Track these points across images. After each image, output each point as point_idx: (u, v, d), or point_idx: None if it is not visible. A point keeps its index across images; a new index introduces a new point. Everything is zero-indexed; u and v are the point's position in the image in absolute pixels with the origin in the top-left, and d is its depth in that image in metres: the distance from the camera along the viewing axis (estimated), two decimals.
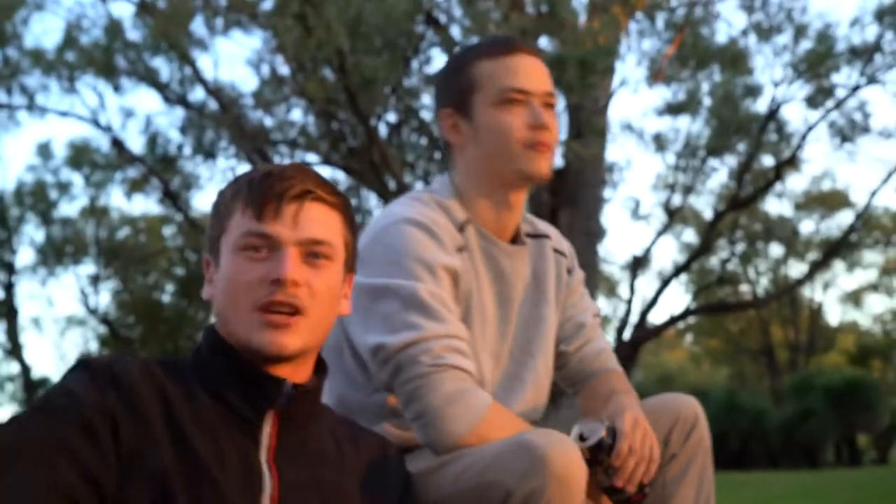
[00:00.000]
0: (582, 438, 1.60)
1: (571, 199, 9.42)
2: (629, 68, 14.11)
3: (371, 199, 11.96)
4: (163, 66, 11.87)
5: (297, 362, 1.27)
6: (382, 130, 10.23)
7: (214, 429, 1.20)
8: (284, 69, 10.67)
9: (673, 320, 12.22)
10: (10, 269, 16.27)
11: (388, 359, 1.54)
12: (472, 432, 1.49)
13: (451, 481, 1.45)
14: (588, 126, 9.35)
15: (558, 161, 9.80)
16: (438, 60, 10.84)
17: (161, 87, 11.90)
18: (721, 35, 10.95)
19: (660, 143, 13.23)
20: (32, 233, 16.62)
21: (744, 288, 22.57)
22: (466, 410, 1.50)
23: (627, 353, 10.93)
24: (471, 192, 1.74)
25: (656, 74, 9.52)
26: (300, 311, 1.24)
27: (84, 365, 1.17)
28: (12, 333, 16.84)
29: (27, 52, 11.94)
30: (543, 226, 1.89)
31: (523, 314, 1.79)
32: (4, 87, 12.22)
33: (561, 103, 10.40)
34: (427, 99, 11.04)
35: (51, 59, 11.90)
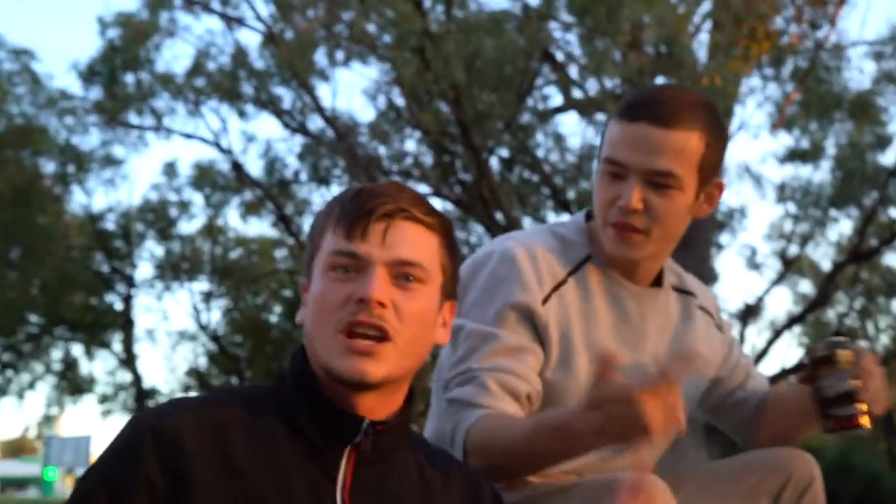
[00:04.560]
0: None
1: (683, 241, 9.19)
2: (749, 112, 13.85)
3: (478, 232, 11.99)
4: (285, 95, 12.24)
5: (385, 391, 1.19)
6: (494, 165, 10.25)
7: (288, 467, 1.15)
8: (400, 101, 10.85)
9: (785, 373, 11.76)
10: (129, 282, 16.94)
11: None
12: (473, 461, 1.43)
13: None
14: None
15: None
16: (554, 98, 10.83)
17: (282, 114, 12.26)
18: (852, 83, 10.56)
19: (783, 191, 12.85)
20: (153, 248, 17.29)
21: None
22: (456, 444, 1.47)
23: None
24: (599, 233, 1.65)
25: (777, 120, 9.26)
26: (386, 336, 1.17)
27: (132, 430, 1.13)
28: (127, 344, 17.49)
29: (157, 77, 12.49)
30: (691, 282, 1.78)
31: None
32: (136, 109, 12.80)
33: None
34: (540, 136, 11.00)
35: (179, 84, 12.43)
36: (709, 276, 9.60)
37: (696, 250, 9.29)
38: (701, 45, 9.72)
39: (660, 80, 9.35)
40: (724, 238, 13.32)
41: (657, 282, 1.69)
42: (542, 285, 1.57)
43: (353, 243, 1.18)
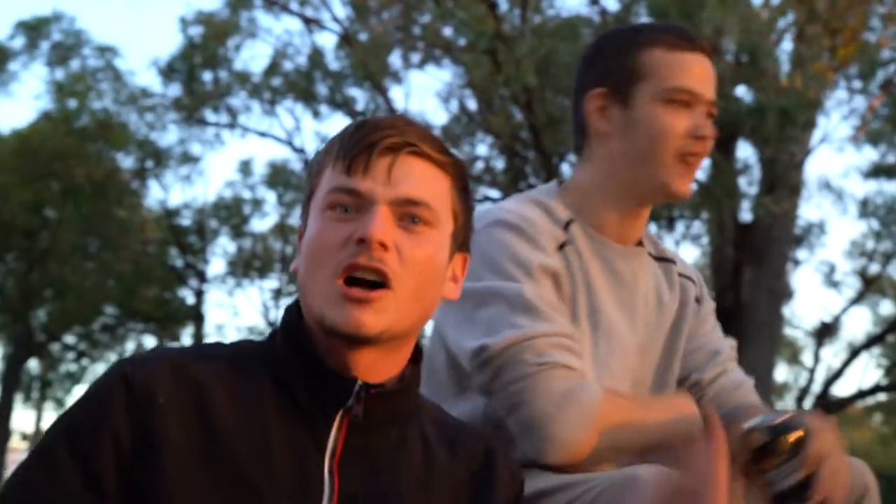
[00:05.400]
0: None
1: (757, 254, 8.95)
2: (833, 124, 13.47)
3: None
4: (359, 96, 12.30)
5: (386, 348, 1.06)
6: (566, 170, 10.12)
7: (271, 430, 1.03)
8: (472, 104, 10.80)
9: (861, 395, 11.39)
10: (202, 277, 17.24)
11: (489, 360, 1.38)
12: (588, 436, 1.33)
13: None
14: (782, 180, 8.88)
15: (746, 215, 9.40)
16: None
17: (355, 115, 12.33)
18: None
19: (865, 207, 12.45)
20: (225, 245, 17.57)
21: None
22: (579, 411, 1.33)
23: None
24: (592, 191, 1.56)
25: (858, 130, 8.95)
26: (386, 283, 1.03)
27: (104, 378, 1.03)
28: (198, 338, 17.79)
29: (235, 75, 12.68)
30: (668, 251, 1.69)
31: (658, 337, 1.59)
32: (212, 106, 13.01)
33: (755, 155, 9.97)
34: None
35: (256, 83, 12.59)
36: (783, 292, 9.31)
37: (771, 264, 9.03)
38: (783, 53, 9.47)
39: (740, 88, 9.11)
40: (801, 253, 12.96)
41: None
42: (550, 246, 1.49)
43: (353, 179, 1.06)
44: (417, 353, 1.13)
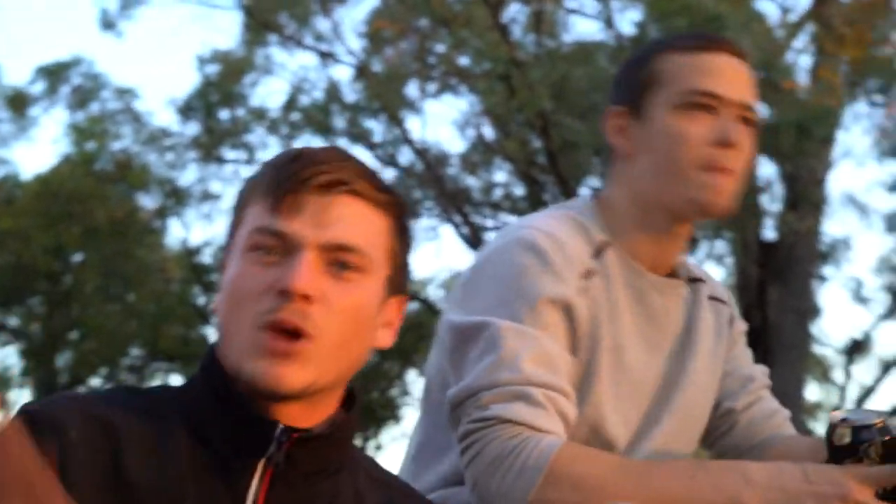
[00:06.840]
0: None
1: (782, 273, 8.83)
2: (855, 138, 13.35)
3: None
4: (375, 127, 12.33)
5: (311, 400, 0.98)
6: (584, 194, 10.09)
7: (184, 481, 0.94)
8: (489, 132, 10.79)
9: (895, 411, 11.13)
10: None
11: (450, 413, 1.27)
12: (536, 495, 1.16)
13: None
14: (804, 197, 8.77)
15: (770, 233, 9.28)
16: None
17: (374, 148, 12.34)
18: None
19: (892, 222, 12.28)
20: None
21: None
22: (517, 471, 1.17)
23: None
24: (624, 213, 1.40)
25: (875, 136, 8.84)
26: (307, 335, 0.95)
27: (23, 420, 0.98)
28: None
29: (252, 112, 12.75)
30: (696, 268, 1.53)
31: (666, 367, 1.43)
32: (230, 144, 13.07)
33: (775, 171, 9.87)
34: None
35: (273, 118, 12.65)
36: (810, 310, 9.16)
37: (797, 282, 8.89)
38: (802, 70, 9.39)
39: (760, 104, 9.03)
40: (827, 270, 12.78)
41: (672, 273, 1.46)
42: (573, 274, 1.33)
43: (279, 220, 0.97)
44: (350, 399, 1.05)
